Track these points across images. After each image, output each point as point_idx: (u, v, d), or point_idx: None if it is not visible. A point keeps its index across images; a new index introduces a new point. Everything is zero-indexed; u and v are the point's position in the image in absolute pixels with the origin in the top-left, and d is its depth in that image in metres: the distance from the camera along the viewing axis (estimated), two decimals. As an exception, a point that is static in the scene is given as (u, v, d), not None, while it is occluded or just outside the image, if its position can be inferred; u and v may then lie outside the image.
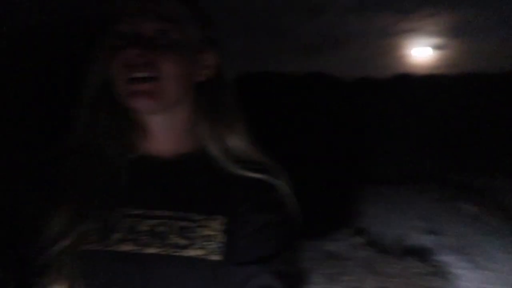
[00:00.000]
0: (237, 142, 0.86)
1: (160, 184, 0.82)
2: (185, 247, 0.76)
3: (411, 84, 8.13)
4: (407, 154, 6.50)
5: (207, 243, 0.77)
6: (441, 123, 7.32)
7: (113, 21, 0.80)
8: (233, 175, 0.84)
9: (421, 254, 3.64)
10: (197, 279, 0.76)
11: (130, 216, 0.79)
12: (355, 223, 4.10)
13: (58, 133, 0.84)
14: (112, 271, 0.75)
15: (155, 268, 0.76)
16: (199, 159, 0.85)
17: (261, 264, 0.78)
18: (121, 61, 0.77)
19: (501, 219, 4.30)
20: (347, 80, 8.23)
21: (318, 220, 3.22)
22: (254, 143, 0.88)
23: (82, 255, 0.74)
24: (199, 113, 0.86)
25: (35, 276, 0.75)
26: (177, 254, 0.76)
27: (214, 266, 0.76)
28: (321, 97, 7.48)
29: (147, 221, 0.78)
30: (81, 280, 0.74)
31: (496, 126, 6.84)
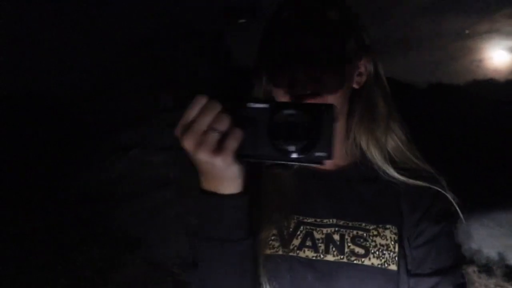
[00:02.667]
0: (397, 145, 0.85)
1: (324, 195, 0.85)
2: (363, 255, 0.78)
3: (492, 90, 7.57)
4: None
5: (383, 252, 0.78)
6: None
7: (272, 38, 0.81)
8: (396, 182, 0.83)
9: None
10: None
11: (304, 224, 0.82)
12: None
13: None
14: (294, 276, 0.79)
15: (336, 275, 0.78)
16: (359, 169, 0.85)
17: (442, 276, 0.76)
18: (286, 79, 0.78)
19: None
20: (419, 86, 7.77)
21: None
22: (413, 146, 0.86)
23: (267, 259, 0.80)
24: (355, 120, 0.86)
25: None
26: (357, 262, 0.78)
27: (392, 276, 0.76)
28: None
29: (321, 229, 0.81)
30: (268, 281, 0.78)
31: None
